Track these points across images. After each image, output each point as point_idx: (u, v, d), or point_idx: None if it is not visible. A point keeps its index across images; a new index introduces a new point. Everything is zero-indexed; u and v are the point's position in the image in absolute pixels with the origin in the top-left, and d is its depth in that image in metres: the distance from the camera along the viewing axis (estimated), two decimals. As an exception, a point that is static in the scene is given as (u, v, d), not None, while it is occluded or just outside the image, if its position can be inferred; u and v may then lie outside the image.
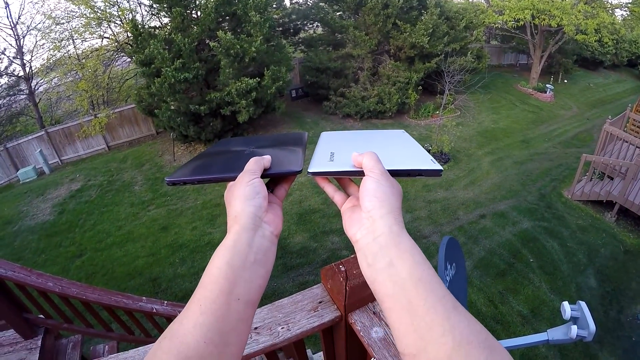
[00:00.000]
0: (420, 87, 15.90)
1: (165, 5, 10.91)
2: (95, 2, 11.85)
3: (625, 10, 20.29)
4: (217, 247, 0.59)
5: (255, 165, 0.68)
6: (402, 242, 0.57)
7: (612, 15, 19.79)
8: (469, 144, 13.92)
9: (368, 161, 0.65)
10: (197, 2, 11.34)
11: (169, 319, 3.30)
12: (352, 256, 1.35)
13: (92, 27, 12.12)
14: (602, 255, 8.84)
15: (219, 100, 11.24)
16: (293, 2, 16.96)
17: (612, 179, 10.68)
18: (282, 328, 1.36)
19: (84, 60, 11.96)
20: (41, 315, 3.24)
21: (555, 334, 2.21)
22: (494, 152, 13.59)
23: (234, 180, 0.68)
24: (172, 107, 11.08)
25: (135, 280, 7.47)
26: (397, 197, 0.63)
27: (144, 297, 3.30)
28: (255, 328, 1.34)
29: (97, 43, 12.75)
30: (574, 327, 2.08)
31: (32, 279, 2.94)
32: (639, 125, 15.14)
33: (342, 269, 1.34)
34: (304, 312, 1.41)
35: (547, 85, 20.90)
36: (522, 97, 20.21)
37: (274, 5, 12.38)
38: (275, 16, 12.09)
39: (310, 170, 0.70)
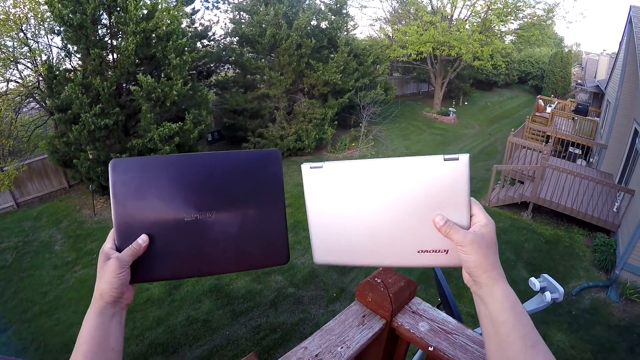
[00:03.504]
0: (335, 122, 16.33)
1: (82, 47, 10.29)
2: (3, 41, 10.77)
3: (514, 35, 22.46)
4: (88, 311, 0.77)
5: (130, 257, 0.79)
6: (495, 292, 0.74)
7: (503, 41, 21.89)
8: (387, 171, 14.41)
9: (456, 237, 0.76)
10: (116, 44, 10.84)
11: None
12: (380, 269, 1.60)
13: (-1, 69, 10.95)
14: (527, 249, 9.78)
15: (141, 147, 10.68)
16: (205, 45, 16.82)
17: (522, 182, 12.03)
18: (341, 348, 1.42)
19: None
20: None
21: (530, 305, 2.46)
22: (411, 175, 14.21)
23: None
24: (91, 156, 10.35)
25: (73, 350, 6.74)
26: (492, 253, 0.76)
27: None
28: (317, 355, 1.38)
29: (2, 87, 11.53)
30: (547, 294, 2.36)
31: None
32: (536, 132, 16.92)
33: (379, 280, 1.53)
34: (354, 328, 1.50)
35: (450, 108, 22.92)
36: (428, 122, 21.81)
37: (187, 49, 12.16)
38: (189, 59, 11.87)
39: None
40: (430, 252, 0.80)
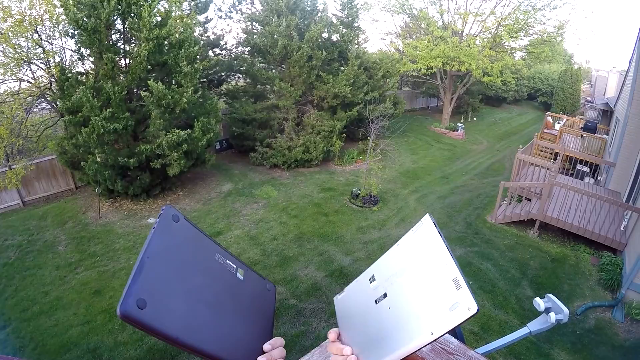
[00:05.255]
0: (343, 135, 16.36)
1: (95, 51, 10.39)
2: (18, 41, 10.85)
3: (524, 52, 22.59)
4: None
5: None
6: None
7: (513, 57, 22.05)
8: (394, 185, 14.57)
9: None
10: (128, 49, 10.94)
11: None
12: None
13: (11, 69, 11.00)
14: (532, 267, 9.67)
15: (149, 152, 10.73)
16: (217, 53, 16.97)
17: (529, 200, 11.91)
18: None
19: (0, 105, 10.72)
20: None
21: (535, 325, 2.43)
22: (418, 190, 14.37)
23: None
24: (99, 159, 10.42)
25: (72, 352, 6.59)
26: None
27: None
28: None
29: (15, 86, 11.58)
30: (552, 314, 2.32)
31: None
32: (544, 149, 16.86)
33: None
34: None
35: (458, 124, 22.96)
36: (436, 137, 21.79)
37: (198, 57, 12.24)
38: (200, 67, 11.95)
39: None
40: None
